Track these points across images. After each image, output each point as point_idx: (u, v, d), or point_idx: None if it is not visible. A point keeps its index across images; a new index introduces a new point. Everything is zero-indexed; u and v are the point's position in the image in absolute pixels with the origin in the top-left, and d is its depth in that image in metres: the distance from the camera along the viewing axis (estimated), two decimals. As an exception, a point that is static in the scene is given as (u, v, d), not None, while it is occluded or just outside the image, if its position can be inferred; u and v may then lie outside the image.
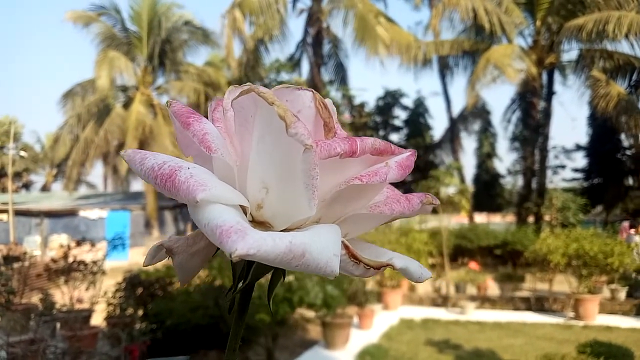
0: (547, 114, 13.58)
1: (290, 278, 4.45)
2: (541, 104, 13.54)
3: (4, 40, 60.02)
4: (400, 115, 18.71)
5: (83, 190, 26.57)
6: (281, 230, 0.27)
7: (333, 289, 4.85)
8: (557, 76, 14.09)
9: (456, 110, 18.40)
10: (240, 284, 0.29)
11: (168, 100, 0.29)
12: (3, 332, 3.89)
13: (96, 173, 31.58)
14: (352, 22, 13.53)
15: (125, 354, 3.75)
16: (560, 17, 11.95)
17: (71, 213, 15.05)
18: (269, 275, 0.30)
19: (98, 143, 15.13)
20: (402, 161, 0.28)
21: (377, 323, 5.94)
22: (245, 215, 0.26)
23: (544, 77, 13.51)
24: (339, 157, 0.25)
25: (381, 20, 13.40)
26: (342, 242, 0.26)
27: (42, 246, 12.86)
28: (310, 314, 5.60)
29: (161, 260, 0.31)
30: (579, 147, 18.60)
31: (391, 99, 18.34)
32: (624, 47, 11.54)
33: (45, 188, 29.33)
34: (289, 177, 0.25)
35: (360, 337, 5.25)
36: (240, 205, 0.26)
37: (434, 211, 8.22)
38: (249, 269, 0.29)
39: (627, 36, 10.47)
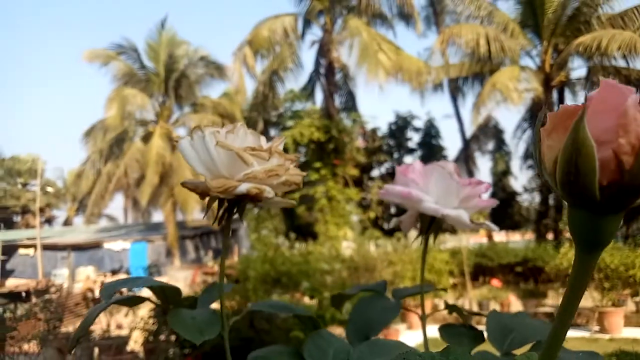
0: (559, 130, 13.64)
1: (325, 295, 4.60)
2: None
3: (27, 81, 61.99)
4: (413, 138, 18.95)
5: (103, 222, 27.07)
6: None
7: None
8: (567, 93, 14.23)
9: (469, 130, 18.55)
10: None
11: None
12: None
13: (116, 206, 32.18)
14: (356, 49, 13.88)
15: (165, 376, 3.92)
16: (566, 37, 12.21)
17: (95, 245, 15.40)
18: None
19: (118, 177, 15.59)
20: None
21: (403, 342, 6.01)
22: None
23: (554, 94, 13.67)
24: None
25: (386, 47, 13.75)
26: None
27: (69, 279, 13.15)
28: (340, 331, 5.72)
29: None
30: (594, 162, 18.49)
31: (403, 122, 18.62)
32: (636, 64, 11.72)
33: (67, 222, 29.92)
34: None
35: (387, 356, 5.33)
36: None
37: (453, 231, 8.31)
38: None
39: (619, 50, 10.78)
